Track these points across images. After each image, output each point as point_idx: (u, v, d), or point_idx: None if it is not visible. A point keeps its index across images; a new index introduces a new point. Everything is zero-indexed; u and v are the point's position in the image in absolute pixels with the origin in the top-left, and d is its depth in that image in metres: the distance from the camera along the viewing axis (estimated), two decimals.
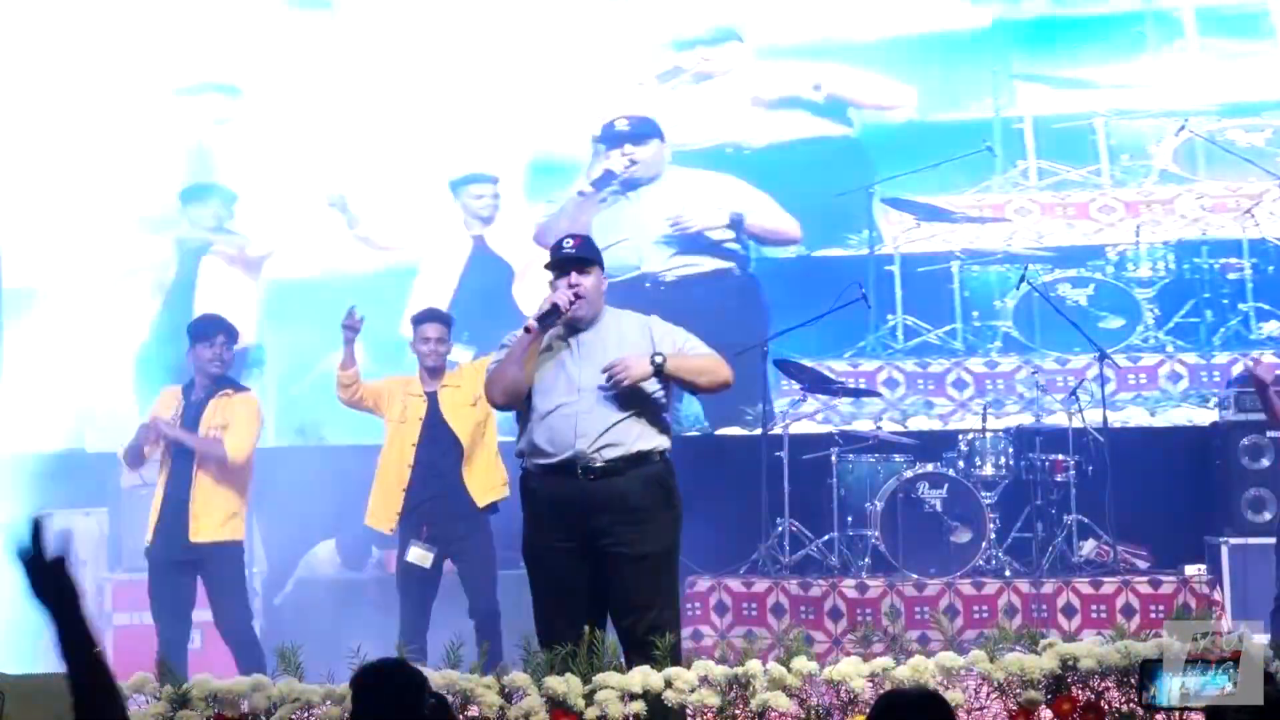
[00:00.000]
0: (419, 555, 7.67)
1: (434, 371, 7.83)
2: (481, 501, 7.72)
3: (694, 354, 5.84)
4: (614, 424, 5.67)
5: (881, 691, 5.32)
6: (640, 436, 5.71)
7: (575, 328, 5.79)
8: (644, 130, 10.43)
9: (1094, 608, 8.32)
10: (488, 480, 7.78)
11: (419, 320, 7.94)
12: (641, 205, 10.35)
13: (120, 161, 10.73)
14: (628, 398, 5.69)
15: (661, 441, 5.79)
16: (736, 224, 10.32)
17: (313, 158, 10.70)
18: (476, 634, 7.24)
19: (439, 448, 7.74)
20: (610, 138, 10.43)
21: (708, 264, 10.25)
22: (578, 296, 5.72)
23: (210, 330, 7.59)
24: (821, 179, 10.24)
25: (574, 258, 5.79)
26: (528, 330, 5.68)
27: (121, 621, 8.91)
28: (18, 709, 5.63)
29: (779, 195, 10.27)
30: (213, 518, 7.46)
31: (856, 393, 9.55)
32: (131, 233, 10.77)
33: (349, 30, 10.89)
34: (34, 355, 10.79)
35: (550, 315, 5.70)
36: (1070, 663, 5.39)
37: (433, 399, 7.80)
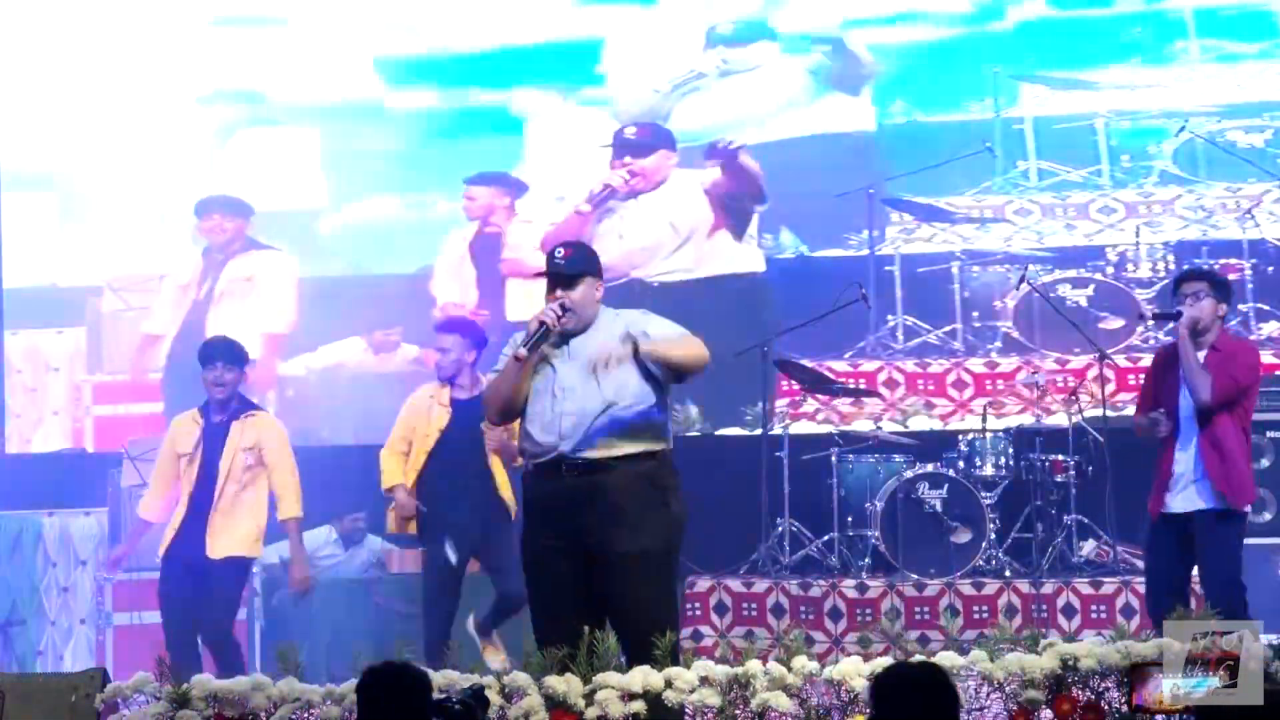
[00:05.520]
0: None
1: (452, 384, 7.97)
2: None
3: (666, 336, 5.78)
4: (598, 423, 5.68)
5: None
6: (629, 437, 5.71)
7: (568, 334, 5.81)
8: (650, 141, 10.26)
9: (1094, 608, 8.32)
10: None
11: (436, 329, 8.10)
12: (641, 209, 10.30)
13: (140, 166, 10.77)
14: (614, 396, 5.71)
15: (654, 442, 5.77)
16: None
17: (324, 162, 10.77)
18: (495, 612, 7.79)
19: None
20: (616, 147, 10.32)
21: (708, 267, 10.22)
22: (565, 310, 5.74)
23: (211, 356, 7.74)
24: (822, 179, 10.25)
25: (563, 273, 5.81)
26: (517, 359, 5.71)
27: (121, 621, 8.90)
28: (18, 709, 5.65)
29: (779, 195, 10.26)
30: (229, 534, 7.63)
31: (856, 393, 9.56)
32: (154, 239, 10.82)
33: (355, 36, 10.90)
34: (38, 356, 10.83)
35: (539, 335, 5.72)
36: (1070, 663, 5.39)
37: (458, 409, 7.94)
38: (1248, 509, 7.07)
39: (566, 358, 5.79)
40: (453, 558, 7.88)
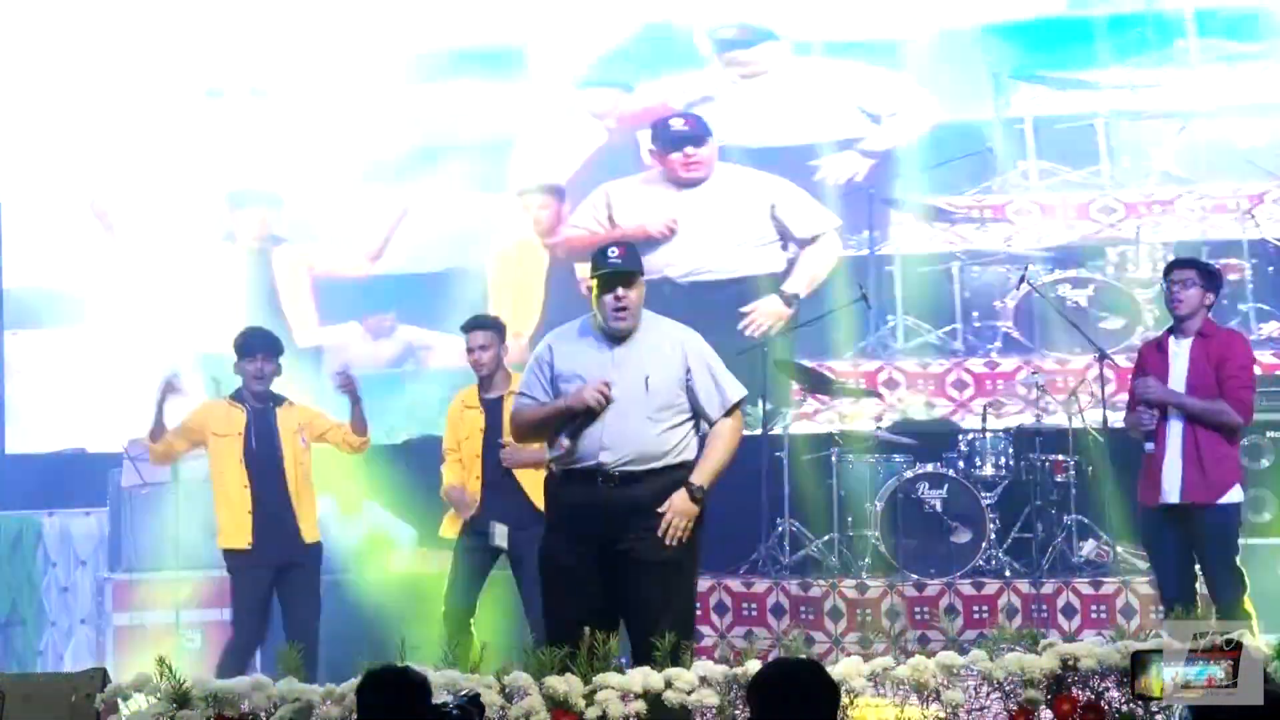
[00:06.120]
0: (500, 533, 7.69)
1: (486, 382, 7.66)
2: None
3: (715, 450, 5.81)
4: (640, 437, 5.67)
5: (878, 688, 5.34)
6: (669, 450, 5.72)
7: (614, 338, 5.77)
8: (701, 130, 10.39)
9: (1094, 608, 8.32)
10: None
11: (465, 328, 7.86)
12: (687, 205, 10.32)
13: (145, 162, 10.80)
14: (658, 412, 5.69)
15: (689, 454, 5.78)
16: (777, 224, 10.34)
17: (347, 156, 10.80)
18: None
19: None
20: (668, 139, 10.38)
21: (747, 266, 10.24)
22: (623, 327, 5.70)
23: (251, 348, 7.72)
24: (822, 180, 10.28)
25: (622, 270, 5.72)
26: (561, 447, 5.69)
27: (121, 621, 8.90)
28: (18, 709, 5.64)
29: None
30: (311, 519, 7.70)
31: (857, 393, 9.56)
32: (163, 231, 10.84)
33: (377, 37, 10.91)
34: (38, 356, 10.84)
35: (585, 416, 5.68)
36: (1070, 663, 5.39)
37: (491, 408, 7.65)
38: (1240, 496, 7.07)
39: (612, 365, 5.72)
40: (503, 543, 7.60)
